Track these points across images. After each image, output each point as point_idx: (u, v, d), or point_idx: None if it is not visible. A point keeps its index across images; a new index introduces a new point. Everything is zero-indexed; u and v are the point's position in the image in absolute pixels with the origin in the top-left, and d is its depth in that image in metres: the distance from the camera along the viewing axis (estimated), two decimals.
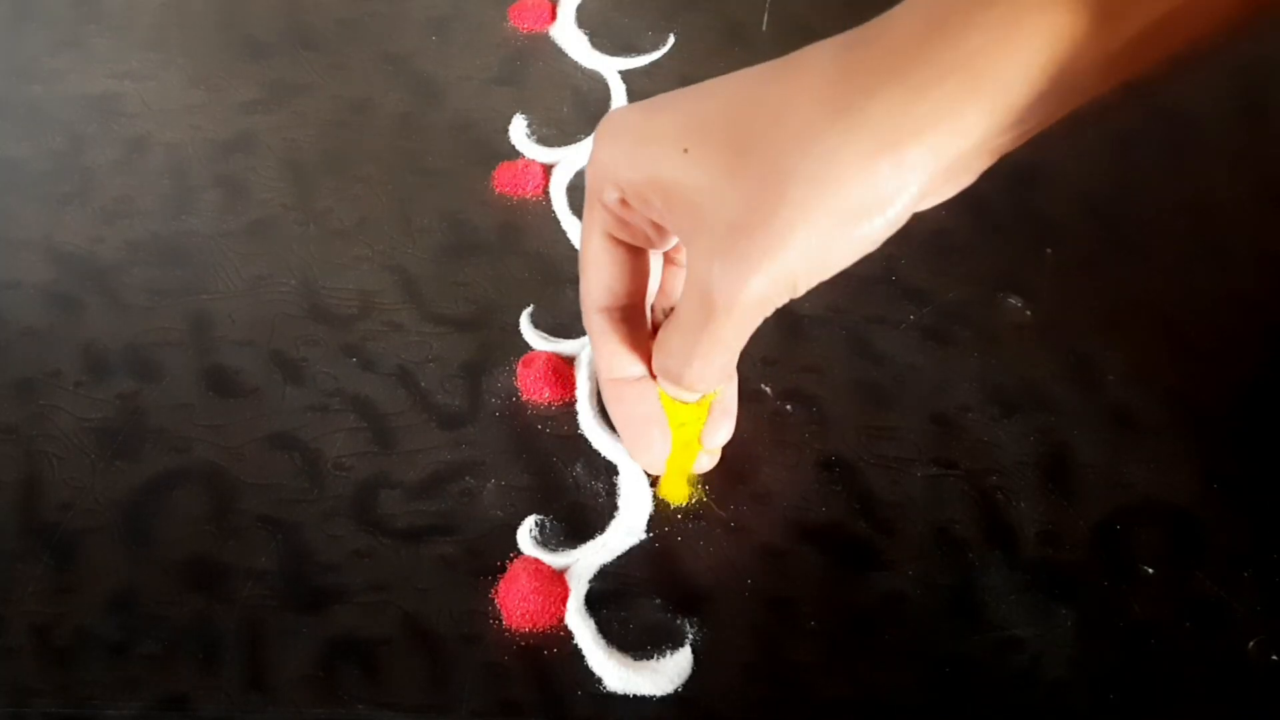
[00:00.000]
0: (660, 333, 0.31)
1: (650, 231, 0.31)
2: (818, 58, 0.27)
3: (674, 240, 0.32)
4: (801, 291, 0.27)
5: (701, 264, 0.27)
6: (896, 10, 0.26)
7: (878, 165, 0.25)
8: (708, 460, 0.34)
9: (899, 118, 0.25)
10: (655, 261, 0.33)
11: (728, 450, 0.35)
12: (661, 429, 0.32)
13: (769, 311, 0.28)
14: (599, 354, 0.33)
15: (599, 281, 0.32)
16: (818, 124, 0.26)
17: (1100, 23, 0.24)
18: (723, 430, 0.33)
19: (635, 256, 0.32)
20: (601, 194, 0.30)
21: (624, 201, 0.30)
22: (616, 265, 0.32)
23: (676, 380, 0.31)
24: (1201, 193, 0.43)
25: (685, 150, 0.28)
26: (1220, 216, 0.42)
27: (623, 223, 0.31)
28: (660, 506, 0.34)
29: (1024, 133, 0.26)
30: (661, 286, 0.34)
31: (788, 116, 0.26)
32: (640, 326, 0.32)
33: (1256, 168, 0.44)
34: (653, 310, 0.34)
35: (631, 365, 0.32)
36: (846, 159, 0.26)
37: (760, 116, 0.27)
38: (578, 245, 0.41)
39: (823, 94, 0.26)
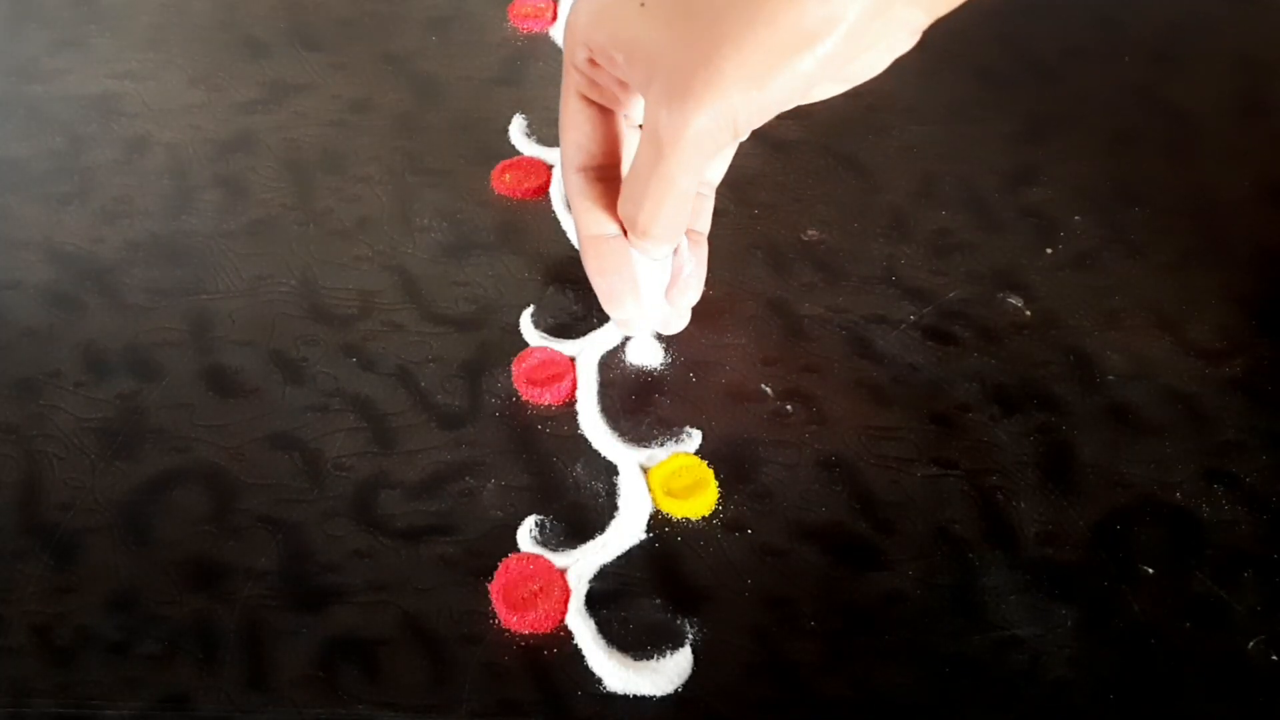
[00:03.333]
0: (623, 184, 0.34)
1: (617, 89, 0.34)
2: None
3: (637, 100, 0.34)
4: (744, 131, 0.30)
5: (653, 111, 0.30)
6: None
7: (804, 3, 0.28)
8: (677, 321, 0.37)
9: None
10: (632, 137, 0.36)
11: (729, 449, 0.35)
12: (631, 287, 0.35)
13: (712, 150, 0.30)
14: (577, 211, 0.35)
15: (574, 141, 0.35)
16: None
17: None
18: (689, 293, 0.36)
19: (606, 117, 0.35)
20: (573, 56, 0.33)
21: (592, 61, 0.33)
22: (590, 124, 0.35)
23: (632, 223, 0.33)
24: (1201, 192, 0.43)
25: (642, 4, 0.31)
26: (1220, 216, 0.42)
27: (592, 83, 0.34)
28: (660, 506, 0.34)
29: None
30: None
31: None
32: (615, 189, 0.35)
33: (1256, 168, 0.44)
34: (625, 180, 0.35)
35: (607, 223, 0.35)
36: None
37: None
38: (578, 245, 0.41)
39: None
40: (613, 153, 0.35)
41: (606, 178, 0.35)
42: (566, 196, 0.36)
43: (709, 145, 0.30)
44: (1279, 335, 0.38)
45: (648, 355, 0.37)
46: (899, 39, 0.30)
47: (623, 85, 0.34)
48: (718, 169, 0.37)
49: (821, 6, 0.28)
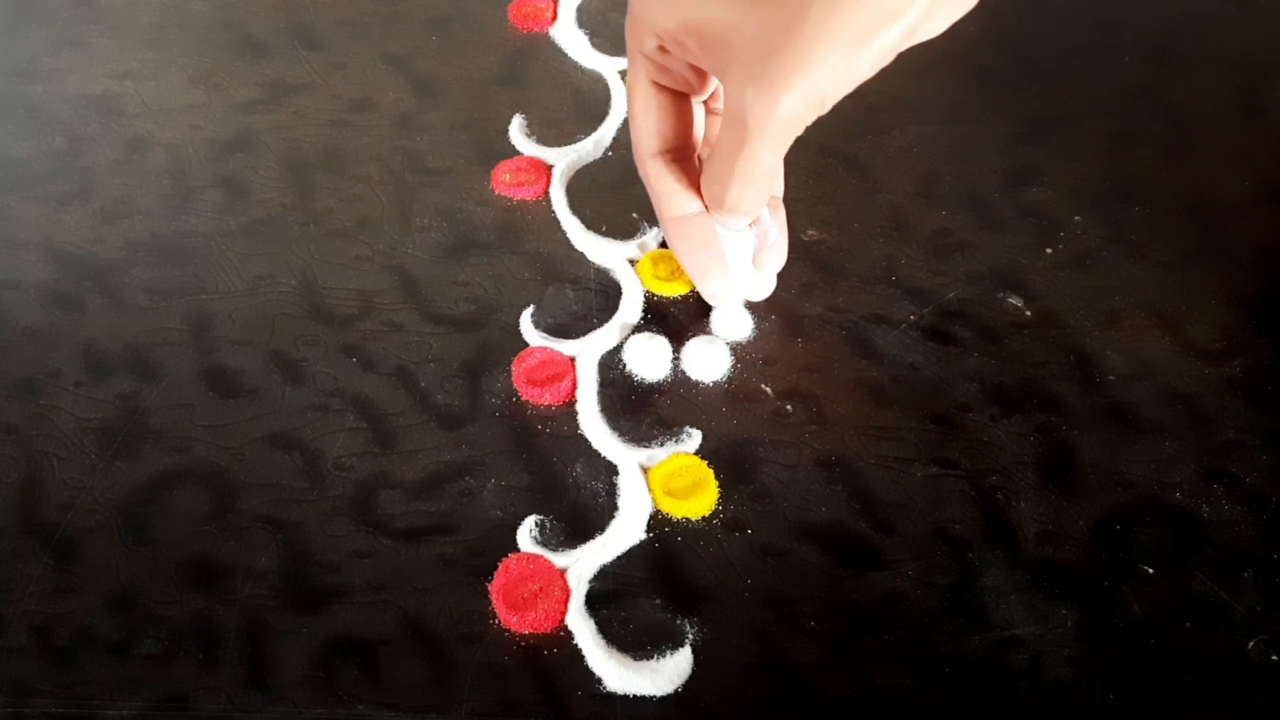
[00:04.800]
0: (705, 164, 0.35)
1: (689, 74, 0.34)
2: None
3: (713, 83, 0.35)
4: (829, 106, 0.30)
5: (735, 93, 0.30)
6: None
7: None
8: (765, 285, 0.38)
9: None
10: (699, 113, 0.36)
11: (729, 449, 0.35)
12: (720, 261, 0.36)
13: (799, 129, 0.31)
14: (658, 196, 0.36)
15: (648, 128, 0.35)
16: None
17: None
18: (775, 258, 0.37)
19: (679, 101, 0.35)
20: (642, 44, 0.33)
21: (662, 48, 0.33)
22: (663, 109, 0.35)
23: (719, 202, 0.34)
24: (1201, 192, 0.43)
25: None
26: (1220, 216, 0.42)
27: (663, 69, 0.34)
28: (660, 506, 0.34)
29: None
30: (705, 137, 0.37)
31: None
32: (691, 169, 0.36)
33: (1256, 168, 0.44)
34: (699, 161, 0.36)
35: (689, 202, 0.36)
36: None
37: None
38: (578, 245, 0.41)
39: None
40: (687, 134, 0.36)
41: (682, 159, 0.36)
42: (644, 181, 0.36)
43: (797, 125, 0.31)
44: (1279, 335, 0.38)
45: (738, 327, 0.38)
46: (965, 2, 0.31)
47: (696, 70, 0.34)
48: None
49: None
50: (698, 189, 0.36)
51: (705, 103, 0.37)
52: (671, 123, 0.35)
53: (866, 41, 0.29)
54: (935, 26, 0.31)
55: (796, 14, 0.29)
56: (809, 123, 0.31)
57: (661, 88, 0.35)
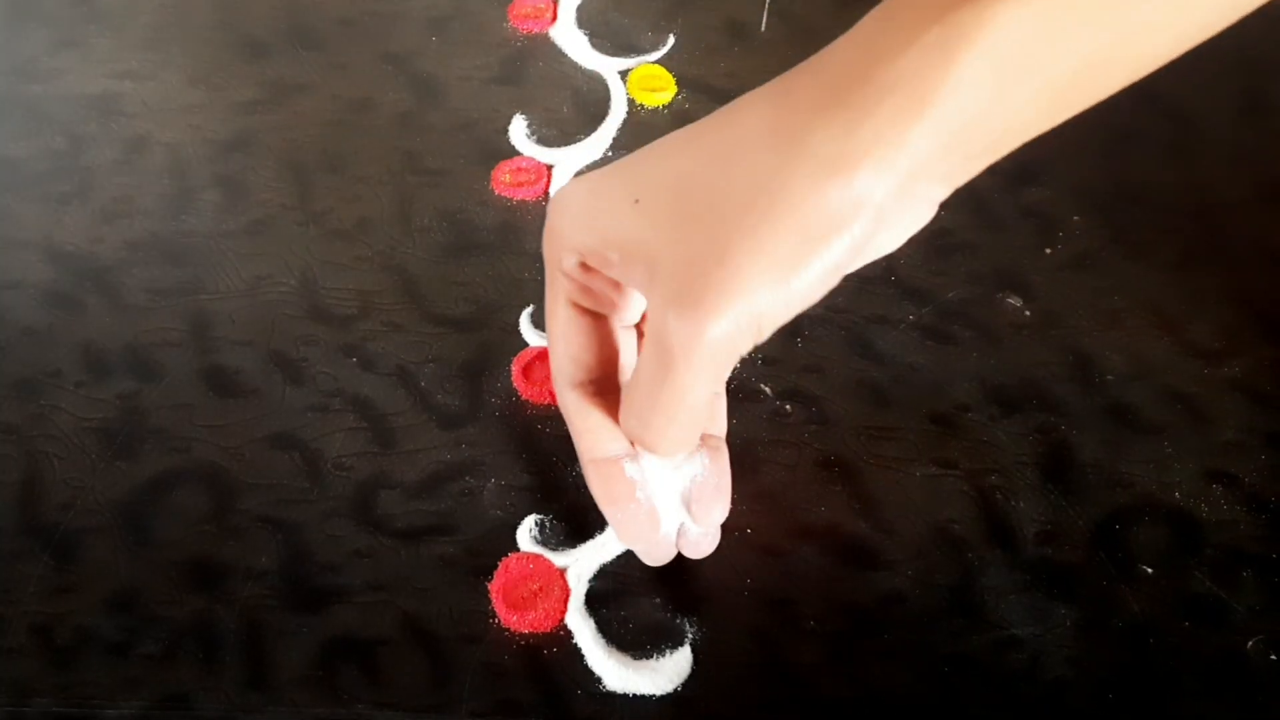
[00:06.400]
0: (624, 392, 0.30)
1: (612, 293, 0.30)
2: (756, 101, 0.27)
3: (639, 305, 0.31)
4: (767, 333, 0.26)
5: (658, 314, 0.27)
6: (833, 44, 0.26)
7: (826, 189, 0.25)
8: (706, 544, 0.32)
9: (842, 141, 0.25)
10: (628, 339, 0.32)
11: (729, 449, 0.35)
12: (650, 515, 0.31)
13: (734, 358, 0.27)
14: (577, 433, 0.31)
15: (568, 354, 0.31)
16: (762, 160, 0.26)
17: (1041, 45, 0.24)
18: (717, 509, 0.32)
19: (601, 324, 0.31)
20: (560, 262, 0.30)
21: (584, 265, 0.29)
22: (584, 334, 0.31)
23: (639, 439, 0.29)
24: (1201, 192, 0.43)
25: (636, 201, 0.27)
26: (1220, 216, 0.42)
27: (584, 289, 0.30)
28: None
29: (973, 156, 0.26)
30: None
31: (732, 159, 0.26)
32: (616, 402, 0.31)
33: (1256, 167, 0.44)
34: (626, 389, 0.32)
35: (612, 442, 0.31)
36: (794, 188, 0.25)
37: (704, 163, 0.27)
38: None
39: (764, 132, 0.26)
40: (609, 361, 0.32)
41: (604, 390, 0.31)
42: (563, 414, 0.32)
43: (727, 353, 0.26)
44: (1279, 335, 0.38)
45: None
46: (921, 213, 0.28)
47: (617, 286, 0.30)
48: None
49: (846, 190, 0.25)
50: None
51: (637, 326, 0.32)
52: (593, 349, 0.31)
53: (806, 260, 0.25)
54: (889, 241, 0.28)
55: (726, 229, 0.26)
56: (744, 351, 0.27)
57: (583, 310, 0.31)
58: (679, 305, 0.26)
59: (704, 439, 0.32)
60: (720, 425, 0.33)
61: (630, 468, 0.31)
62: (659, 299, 0.27)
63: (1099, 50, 0.25)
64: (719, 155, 0.27)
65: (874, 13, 0.26)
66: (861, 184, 0.25)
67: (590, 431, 0.31)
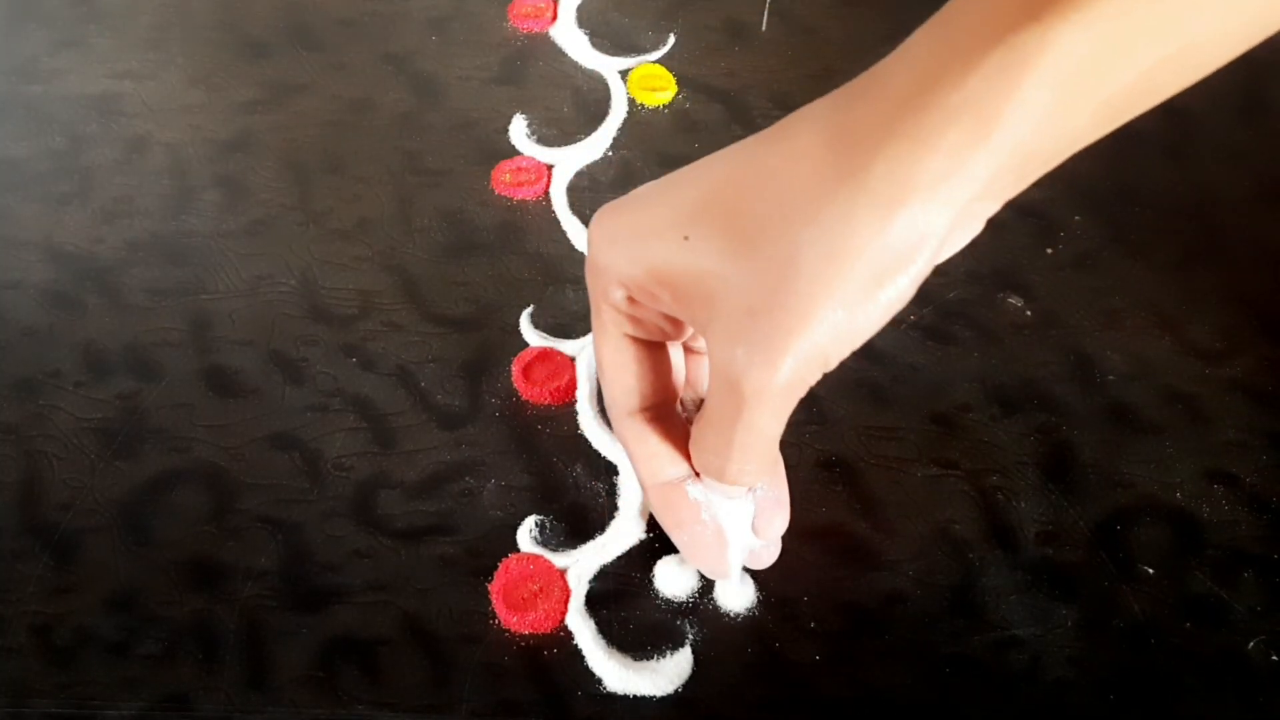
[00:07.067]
0: (694, 429, 0.29)
1: (664, 324, 0.30)
2: (810, 121, 0.26)
3: (690, 330, 0.31)
4: (834, 365, 0.26)
5: (723, 352, 0.26)
6: (886, 63, 0.25)
7: (891, 226, 0.24)
8: (768, 555, 0.32)
9: (906, 173, 0.24)
10: (675, 352, 0.32)
11: None
12: (717, 532, 0.31)
13: (802, 392, 0.27)
14: (638, 461, 0.31)
15: (623, 385, 0.30)
16: (822, 191, 0.25)
17: (1101, 63, 0.23)
18: (778, 521, 0.32)
19: (654, 352, 0.31)
20: (608, 296, 0.29)
21: (631, 299, 0.29)
22: (638, 364, 0.30)
23: (719, 476, 0.29)
24: (1201, 192, 0.43)
25: (686, 238, 0.27)
26: (1220, 216, 0.42)
27: (635, 320, 0.30)
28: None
29: (1028, 175, 0.25)
30: (687, 378, 0.33)
31: (788, 188, 0.26)
32: (675, 424, 0.31)
33: (1256, 167, 0.44)
34: (682, 404, 0.32)
35: (673, 466, 0.30)
36: (858, 224, 0.25)
37: (758, 192, 0.26)
38: (578, 246, 0.41)
39: (822, 158, 0.25)
40: (666, 388, 0.31)
41: (663, 415, 0.31)
42: (620, 441, 0.31)
43: (799, 389, 0.26)
44: (1279, 335, 0.38)
45: (741, 597, 0.32)
46: (972, 228, 0.27)
47: (671, 320, 0.30)
48: None
49: (911, 226, 0.24)
50: (683, 448, 0.30)
51: (684, 343, 0.32)
52: (649, 378, 0.30)
53: (874, 296, 0.25)
54: (940, 256, 0.27)
55: (790, 267, 0.25)
56: (812, 384, 0.26)
57: (634, 340, 0.30)
58: (747, 348, 0.26)
59: None
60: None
61: (693, 489, 0.30)
62: (722, 335, 0.26)
63: (1157, 63, 0.24)
64: (774, 186, 0.26)
65: (927, 29, 0.25)
66: (926, 218, 0.24)
67: (653, 458, 0.31)
